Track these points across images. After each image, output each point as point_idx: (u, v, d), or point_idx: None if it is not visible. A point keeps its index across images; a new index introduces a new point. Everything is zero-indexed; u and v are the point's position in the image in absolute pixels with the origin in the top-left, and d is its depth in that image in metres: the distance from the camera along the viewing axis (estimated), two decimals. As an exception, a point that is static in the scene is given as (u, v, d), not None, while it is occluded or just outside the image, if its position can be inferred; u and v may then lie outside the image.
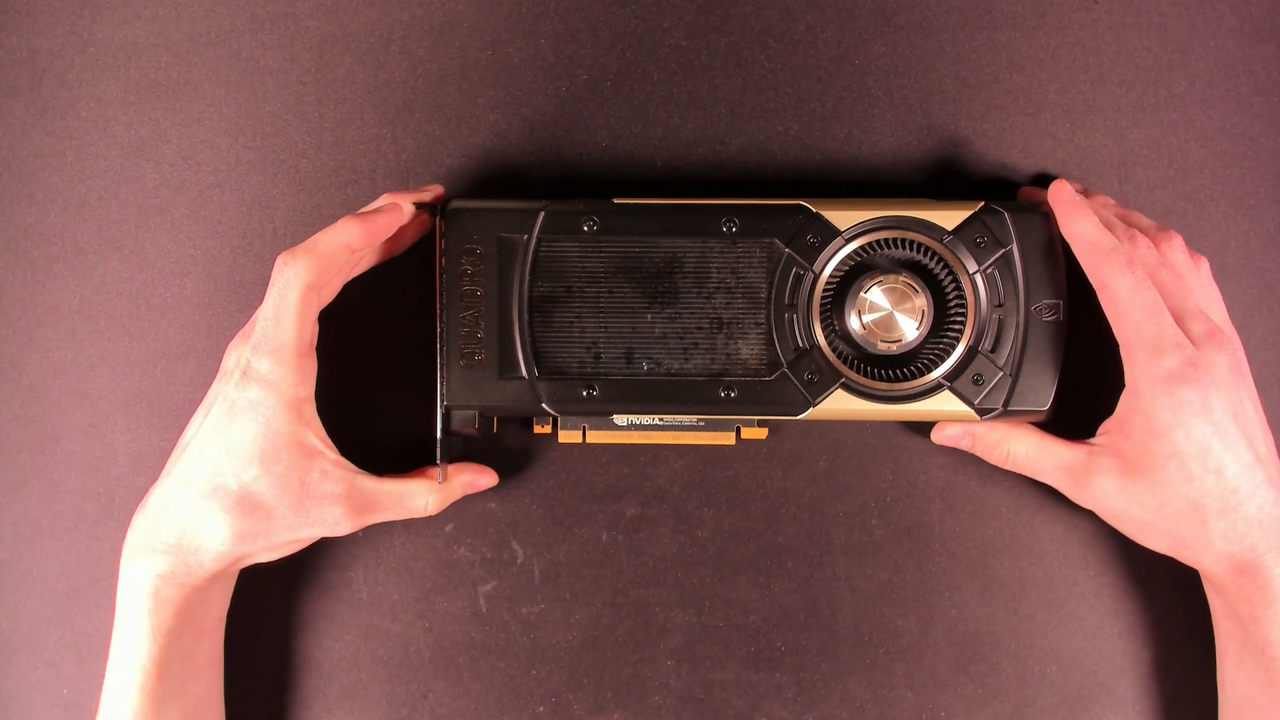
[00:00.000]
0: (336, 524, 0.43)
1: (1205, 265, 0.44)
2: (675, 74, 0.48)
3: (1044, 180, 0.48)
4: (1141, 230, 0.44)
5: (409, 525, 0.48)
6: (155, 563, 0.42)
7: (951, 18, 0.48)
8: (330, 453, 0.43)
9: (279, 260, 0.41)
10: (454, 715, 0.48)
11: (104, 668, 0.45)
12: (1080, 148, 0.48)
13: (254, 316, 0.44)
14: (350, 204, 0.48)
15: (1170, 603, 0.46)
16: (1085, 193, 0.47)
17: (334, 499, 0.43)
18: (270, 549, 0.43)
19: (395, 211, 0.43)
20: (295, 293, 0.41)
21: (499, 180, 0.48)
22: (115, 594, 0.43)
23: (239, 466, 0.42)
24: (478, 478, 0.46)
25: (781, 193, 0.48)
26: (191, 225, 0.49)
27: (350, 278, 0.46)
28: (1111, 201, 0.47)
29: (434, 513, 0.45)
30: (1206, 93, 0.48)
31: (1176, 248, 0.43)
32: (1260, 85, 0.48)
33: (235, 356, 0.44)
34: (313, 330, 0.43)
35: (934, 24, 0.48)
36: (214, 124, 0.49)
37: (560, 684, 0.48)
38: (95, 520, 0.48)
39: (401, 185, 0.48)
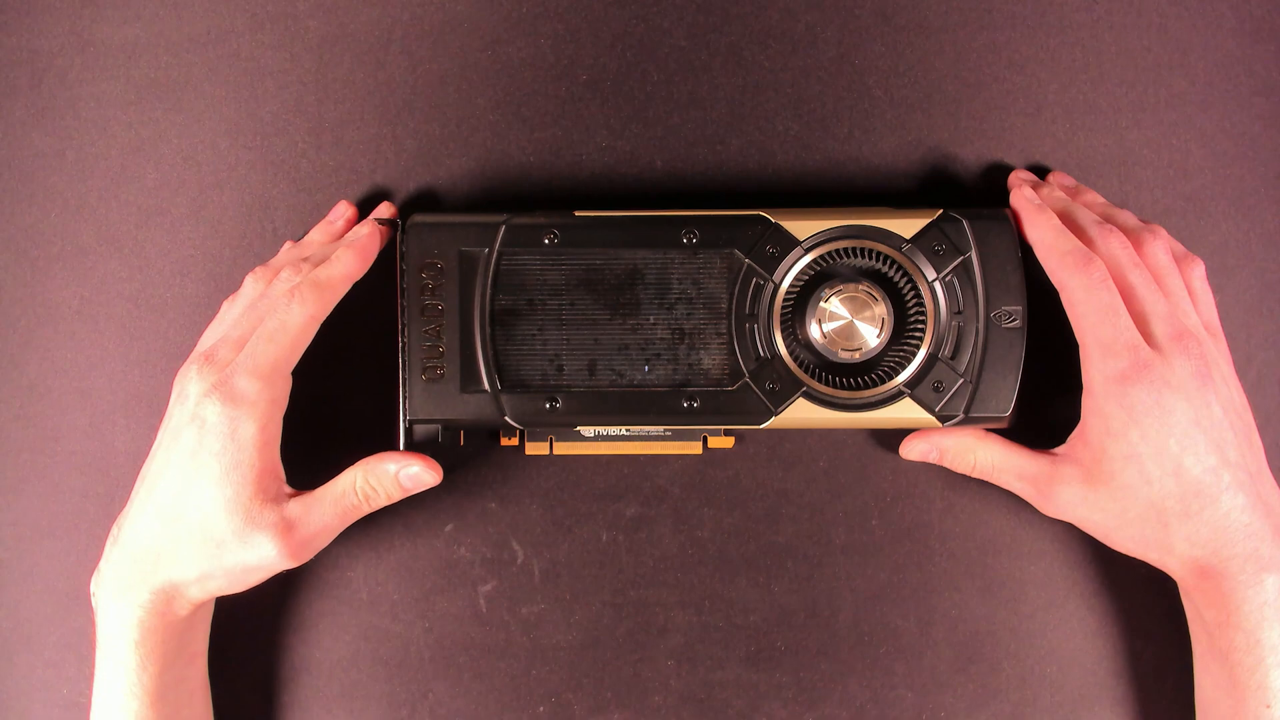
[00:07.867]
0: (274, 561, 0.42)
1: (1199, 268, 0.43)
2: (675, 74, 0.48)
3: (1041, 171, 0.48)
4: (1126, 229, 0.43)
5: (409, 525, 0.48)
6: (137, 598, 0.42)
7: (951, 18, 0.48)
8: (283, 485, 0.43)
9: (285, 294, 0.42)
10: (454, 715, 0.48)
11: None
12: (1080, 148, 0.48)
13: (209, 341, 0.43)
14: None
15: (1170, 603, 0.46)
16: (1075, 189, 0.47)
17: (271, 530, 0.41)
18: (228, 581, 0.42)
19: (375, 229, 0.44)
20: (299, 320, 0.41)
21: (498, 180, 0.48)
22: (95, 626, 0.42)
23: (205, 493, 0.41)
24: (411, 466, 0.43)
25: (782, 193, 0.48)
26: (191, 225, 0.49)
27: None
28: (1100, 200, 0.46)
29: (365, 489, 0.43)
30: (1206, 93, 0.48)
31: (1159, 249, 0.43)
32: (1260, 85, 0.48)
33: (200, 380, 0.42)
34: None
35: (934, 24, 0.48)
36: (214, 124, 0.49)
37: (560, 684, 0.48)
38: (95, 520, 0.48)
39: (402, 185, 0.48)
